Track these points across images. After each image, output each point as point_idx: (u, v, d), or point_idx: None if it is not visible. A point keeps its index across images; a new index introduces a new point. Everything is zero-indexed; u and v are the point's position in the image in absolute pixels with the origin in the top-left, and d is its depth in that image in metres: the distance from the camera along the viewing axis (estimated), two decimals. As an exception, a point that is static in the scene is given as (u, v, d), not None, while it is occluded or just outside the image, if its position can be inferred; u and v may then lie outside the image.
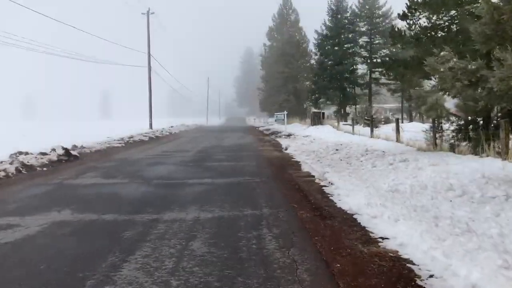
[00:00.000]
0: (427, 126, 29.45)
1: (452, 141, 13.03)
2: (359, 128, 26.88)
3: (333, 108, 45.65)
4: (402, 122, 39.72)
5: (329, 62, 41.94)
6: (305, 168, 12.07)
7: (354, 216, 6.33)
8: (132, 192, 8.70)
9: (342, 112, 42.83)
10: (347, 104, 43.62)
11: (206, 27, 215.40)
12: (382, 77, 43.60)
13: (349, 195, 7.75)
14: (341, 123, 30.31)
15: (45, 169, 12.92)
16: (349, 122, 37.75)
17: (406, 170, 9.95)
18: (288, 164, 13.28)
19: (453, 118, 13.13)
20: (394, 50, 41.89)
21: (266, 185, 9.31)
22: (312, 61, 48.04)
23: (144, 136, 29.05)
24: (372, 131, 20.71)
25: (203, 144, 23.29)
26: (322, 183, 9.36)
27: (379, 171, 10.23)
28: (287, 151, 17.61)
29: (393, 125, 30.45)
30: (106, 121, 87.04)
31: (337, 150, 16.26)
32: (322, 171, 10.65)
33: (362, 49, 43.04)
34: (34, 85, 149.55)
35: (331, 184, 9.11)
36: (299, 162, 13.52)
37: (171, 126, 45.26)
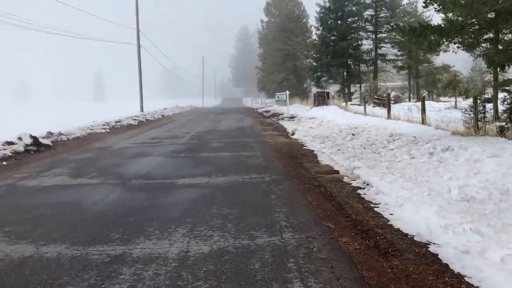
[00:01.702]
0: (441, 105, 27.18)
1: (504, 123, 10.69)
2: (369, 108, 24.47)
3: (336, 87, 43.11)
4: (410, 101, 37.41)
5: (332, 38, 39.18)
6: (323, 159, 9.74)
7: (432, 250, 4.03)
8: (99, 202, 6.36)
9: (346, 91, 40.33)
10: (352, 83, 41.03)
11: (200, 5, 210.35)
12: (390, 50, 41.21)
13: (402, 204, 5.45)
14: (348, 103, 27.89)
15: (4, 163, 10.57)
16: (356, 101, 35.40)
17: (458, 164, 7.66)
18: (300, 154, 10.94)
19: (505, 95, 10.75)
20: (401, 24, 39.35)
21: (281, 187, 6.98)
22: (313, 37, 45.23)
23: (133, 120, 26.59)
24: (389, 111, 18.31)
25: (197, 128, 20.89)
26: (354, 183, 7.05)
27: (423, 165, 7.91)
28: (294, 137, 15.26)
29: (405, 104, 28.13)
30: (97, 104, 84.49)
31: (353, 135, 13.94)
32: (350, 165, 8.31)
33: (367, 23, 40.25)
34: (28, 67, 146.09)
35: (368, 185, 6.80)
36: (314, 151, 11.18)
37: (164, 109, 42.71)
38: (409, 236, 4.45)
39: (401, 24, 39.76)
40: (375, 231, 4.64)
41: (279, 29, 49.08)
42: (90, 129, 19.68)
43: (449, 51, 12.28)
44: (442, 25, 11.71)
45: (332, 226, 4.82)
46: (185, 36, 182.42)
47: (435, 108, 23.13)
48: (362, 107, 27.86)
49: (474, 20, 11.14)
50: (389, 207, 5.49)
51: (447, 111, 22.85)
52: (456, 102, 25.83)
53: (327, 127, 17.74)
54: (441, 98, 37.14)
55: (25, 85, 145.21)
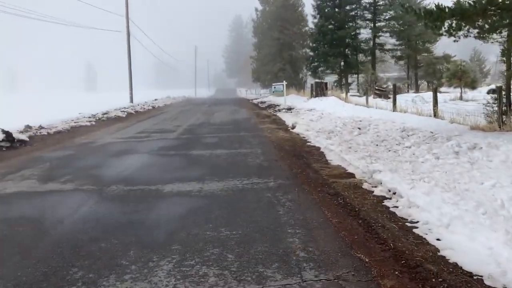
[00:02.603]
0: (445, 96, 26.02)
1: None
2: (371, 100, 23.28)
3: (333, 78, 41.81)
4: (408, 92, 36.26)
5: (330, 26, 37.78)
6: (333, 159, 8.54)
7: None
8: (66, 217, 5.11)
9: (344, 81, 39.05)
10: (349, 73, 39.72)
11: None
12: (389, 40, 39.98)
13: (449, 225, 4.28)
14: (348, 94, 26.67)
15: (-31, 162, 9.28)
16: (354, 92, 34.20)
17: (494, 166, 6.54)
18: (305, 151, 9.73)
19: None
20: (400, 12, 38.11)
21: (289, 197, 5.77)
22: (310, 26, 43.77)
23: (121, 111, 25.21)
24: (394, 103, 17.12)
25: (190, 121, 19.60)
26: (376, 191, 5.86)
27: (453, 167, 6.74)
28: (295, 131, 14.04)
29: (406, 95, 26.97)
30: (88, 94, 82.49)
31: (360, 129, 12.77)
32: (367, 167, 7.11)
33: (365, 11, 38.90)
34: (18, 57, 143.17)
35: (395, 194, 5.62)
36: (320, 148, 9.97)
37: (155, 99, 41.26)
38: (475, 277, 3.26)
39: (399, 12, 38.63)
40: (426, 267, 3.44)
41: (274, 18, 47.51)
42: (75, 122, 18.37)
43: (470, 36, 11.05)
44: (464, 7, 10.48)
45: (367, 260, 3.62)
46: (178, 26, 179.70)
47: (439, 100, 22.04)
48: (363, 98, 26.71)
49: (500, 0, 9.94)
50: (432, 227, 4.31)
51: (453, 102, 21.77)
52: (461, 93, 24.70)
53: (329, 120, 16.53)
54: (441, 89, 36.06)
55: (14, 73, 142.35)
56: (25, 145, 11.96)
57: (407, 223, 4.54)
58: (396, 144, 9.59)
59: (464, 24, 10.91)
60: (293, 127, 15.13)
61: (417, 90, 38.81)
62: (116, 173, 7.80)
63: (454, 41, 11.90)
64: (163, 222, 4.82)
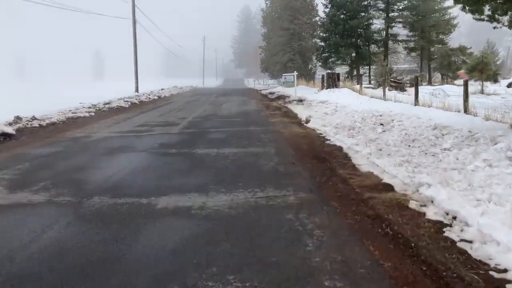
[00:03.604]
0: (471, 88, 24.45)
1: None
2: (387, 92, 21.78)
3: (343, 69, 40.22)
4: (421, 85, 34.63)
5: (341, 16, 36.17)
6: (361, 163, 7.19)
7: None
8: (20, 249, 3.81)
9: (355, 73, 37.48)
10: (361, 64, 38.12)
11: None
12: (402, 31, 38.32)
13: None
14: (362, 86, 25.17)
15: None
16: (366, 84, 32.66)
17: None
18: (326, 152, 8.39)
19: None
20: (414, 2, 36.43)
21: (317, 220, 4.43)
22: (320, 16, 42.11)
23: (125, 101, 23.95)
24: (416, 97, 15.62)
25: (196, 112, 18.29)
26: (430, 214, 4.52)
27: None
28: (310, 126, 12.72)
29: (424, 88, 25.41)
30: (94, 83, 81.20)
31: (382, 125, 11.40)
32: (410, 179, 5.75)
33: (378, 1, 37.21)
34: (26, 44, 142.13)
35: (456, 219, 4.28)
36: (343, 148, 8.63)
37: (161, 89, 39.91)
38: None
39: (413, 2, 36.97)
40: None
41: (284, 7, 45.90)
42: (72, 113, 17.10)
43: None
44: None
45: None
46: (187, 15, 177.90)
47: (458, 93, 20.56)
48: (377, 90, 25.22)
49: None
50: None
51: (475, 96, 20.22)
52: (482, 86, 23.13)
53: (345, 113, 15.15)
54: (456, 82, 34.46)
55: (22, 61, 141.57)
56: (10, 139, 10.73)
57: (491, 272, 3.21)
58: (432, 146, 8.23)
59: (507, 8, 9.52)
60: (307, 121, 13.79)
61: (430, 83, 37.19)
62: (104, 178, 6.52)
63: (494, 28, 10.49)
64: (150, 261, 3.52)
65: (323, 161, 7.50)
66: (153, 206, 5.05)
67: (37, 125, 13.50)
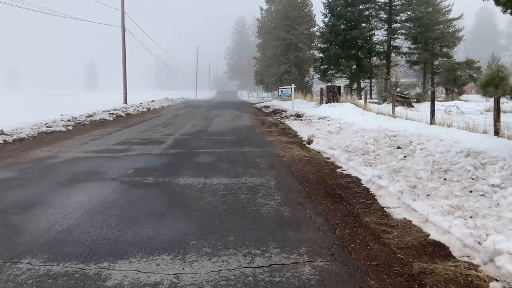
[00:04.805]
0: (476, 106, 22.94)
1: None
2: (396, 108, 20.17)
3: (342, 82, 38.73)
4: (425, 101, 33.12)
5: (342, 26, 34.72)
6: (389, 204, 5.52)
7: None
8: None
9: (355, 86, 35.98)
10: (362, 77, 36.60)
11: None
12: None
13: None
14: (367, 100, 23.56)
15: None
16: (371, 99, 31.13)
17: None
18: (340, 186, 6.70)
19: None
20: (418, 13, 35.09)
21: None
22: (318, 26, 40.64)
23: (110, 114, 22.22)
24: (433, 115, 14.02)
25: (184, 128, 16.57)
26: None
27: None
28: (314, 147, 11.07)
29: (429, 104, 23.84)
30: (84, 93, 79.45)
31: (400, 148, 9.82)
32: (472, 237, 4.07)
33: (380, 11, 35.85)
34: (19, 54, 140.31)
35: None
36: (360, 180, 6.96)
37: (152, 101, 38.21)
38: None
39: (416, 13, 35.67)
40: None
41: (280, 17, 44.52)
42: (47, 127, 15.35)
43: None
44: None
45: None
46: (181, 27, 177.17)
47: (472, 110, 19.00)
48: (382, 106, 23.70)
49: None
50: None
51: (491, 114, 18.70)
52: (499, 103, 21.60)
53: (352, 132, 13.52)
54: (461, 97, 33.01)
55: (16, 72, 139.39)
56: (-42, 160, 8.97)
57: None
58: (474, 180, 6.60)
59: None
60: (310, 142, 12.14)
61: (433, 98, 35.78)
62: (49, 224, 4.80)
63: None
64: None
65: (339, 200, 5.80)
66: (102, 282, 3.33)
67: (1, 142, 11.74)
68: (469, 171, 7.03)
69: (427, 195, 5.58)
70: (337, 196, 6.05)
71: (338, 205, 5.58)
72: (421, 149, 9.30)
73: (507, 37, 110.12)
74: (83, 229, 4.67)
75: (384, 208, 5.41)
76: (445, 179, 6.67)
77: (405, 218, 4.98)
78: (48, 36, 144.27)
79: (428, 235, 4.40)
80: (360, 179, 7.02)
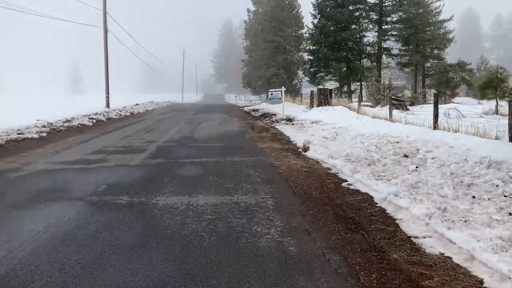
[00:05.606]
0: (473, 109, 22.08)
1: None
2: (385, 111, 19.23)
3: (332, 84, 37.80)
4: (418, 104, 32.33)
5: (331, 28, 33.78)
6: (419, 234, 4.45)
7: None
8: None
9: (345, 89, 35.06)
10: (353, 80, 35.68)
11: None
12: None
13: None
14: (361, 104, 22.57)
15: None
16: (363, 102, 30.22)
17: None
18: (351, 207, 5.61)
19: None
20: (409, 14, 34.34)
21: None
22: (307, 27, 39.71)
23: (90, 118, 20.91)
24: (436, 118, 13.04)
25: (168, 134, 15.38)
26: None
27: None
28: (311, 155, 10.01)
29: (427, 106, 23.00)
30: (67, 96, 77.40)
31: (407, 157, 8.83)
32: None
33: (371, 12, 35.01)
34: (4, 59, 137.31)
35: None
36: (373, 198, 5.90)
37: (136, 104, 36.86)
38: None
39: (407, 14, 34.93)
40: None
41: (268, 19, 43.46)
42: (19, 133, 14.05)
43: None
44: None
45: None
46: (167, 29, 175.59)
47: (469, 113, 18.09)
48: (376, 108, 22.75)
49: None
50: None
51: (491, 117, 17.82)
52: (497, 105, 20.72)
53: (349, 138, 12.54)
54: (453, 100, 32.31)
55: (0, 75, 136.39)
56: None
57: None
58: (506, 197, 5.59)
59: None
60: (306, 149, 11.08)
61: (425, 101, 35.04)
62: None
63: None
64: None
65: (354, 227, 4.72)
66: None
67: (-40, 151, 10.49)
68: (497, 185, 6.03)
69: (465, 221, 4.52)
70: (350, 220, 4.97)
71: (354, 234, 4.50)
72: (432, 158, 8.30)
73: (492, 39, 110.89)
74: (26, 276, 3.52)
75: (412, 239, 4.34)
76: (473, 196, 5.64)
77: (442, 254, 3.92)
78: (33, 39, 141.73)
79: (481, 282, 3.33)
80: (372, 197, 5.96)
